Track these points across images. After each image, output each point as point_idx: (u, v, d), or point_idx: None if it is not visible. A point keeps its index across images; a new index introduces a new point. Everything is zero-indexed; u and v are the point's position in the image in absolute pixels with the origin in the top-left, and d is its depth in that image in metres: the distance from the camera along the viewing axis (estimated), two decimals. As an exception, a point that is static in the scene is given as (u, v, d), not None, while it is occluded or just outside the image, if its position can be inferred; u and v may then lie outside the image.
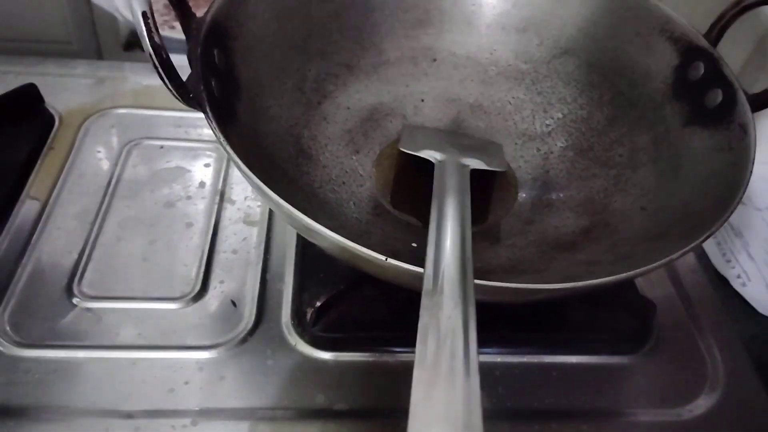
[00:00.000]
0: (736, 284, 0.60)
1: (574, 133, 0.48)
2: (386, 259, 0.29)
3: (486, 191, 0.46)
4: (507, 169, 0.44)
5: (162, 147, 0.49)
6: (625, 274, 0.31)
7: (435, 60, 0.51)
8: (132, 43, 0.62)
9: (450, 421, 0.22)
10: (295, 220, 0.30)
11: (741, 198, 0.34)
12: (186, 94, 0.34)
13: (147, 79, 0.56)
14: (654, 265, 0.31)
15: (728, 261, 0.60)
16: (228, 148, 0.32)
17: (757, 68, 0.64)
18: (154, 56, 0.32)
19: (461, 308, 0.27)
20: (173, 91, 0.33)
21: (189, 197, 0.46)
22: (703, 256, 0.54)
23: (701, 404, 0.37)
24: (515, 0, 0.51)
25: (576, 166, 0.47)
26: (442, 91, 0.51)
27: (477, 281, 0.29)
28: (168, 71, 0.33)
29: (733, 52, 0.65)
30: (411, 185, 0.45)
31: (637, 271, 0.31)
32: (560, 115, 0.49)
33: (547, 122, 0.49)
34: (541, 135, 0.49)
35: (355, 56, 0.49)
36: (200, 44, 0.36)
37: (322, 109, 0.47)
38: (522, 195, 0.46)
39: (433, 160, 0.41)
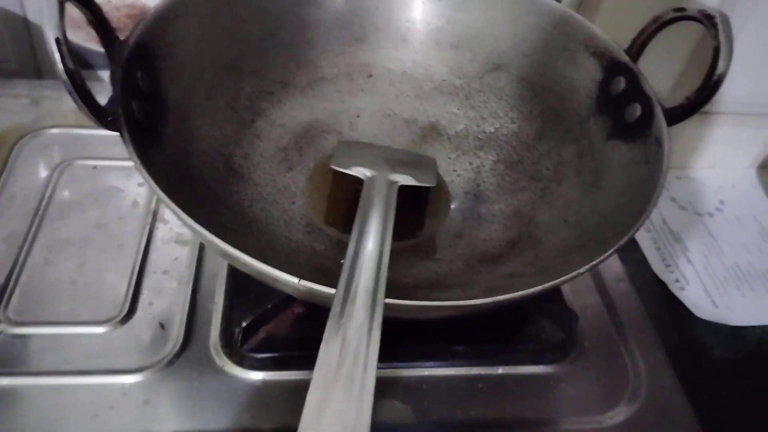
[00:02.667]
0: (674, 288, 0.62)
1: (505, 146, 0.49)
2: (299, 281, 0.29)
3: (420, 205, 0.46)
4: (436, 184, 0.45)
5: (95, 167, 0.49)
6: (535, 288, 0.31)
7: (371, 76, 0.52)
8: (71, 61, 0.62)
9: (340, 421, 0.23)
10: (209, 241, 0.30)
11: (650, 213, 0.35)
12: (104, 117, 0.34)
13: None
14: (563, 278, 0.32)
15: (668, 266, 0.62)
16: (143, 171, 0.32)
17: (691, 81, 0.66)
18: (68, 82, 0.32)
19: (367, 329, 0.27)
20: (90, 115, 0.33)
21: (121, 218, 0.46)
22: (640, 262, 0.56)
23: (622, 412, 0.38)
24: (449, 16, 0.52)
25: (506, 179, 0.48)
26: (378, 106, 0.52)
27: (387, 300, 0.29)
28: (84, 96, 0.33)
29: (669, 65, 0.67)
30: (345, 202, 0.45)
31: (548, 285, 0.31)
32: (492, 129, 0.50)
33: (480, 136, 0.50)
34: (473, 149, 0.50)
35: (290, 73, 0.50)
36: (122, 67, 0.36)
37: (256, 127, 0.47)
38: (453, 208, 0.47)
39: (362, 177, 0.42)
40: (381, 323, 0.28)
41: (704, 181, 0.73)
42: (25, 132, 0.51)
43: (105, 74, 0.60)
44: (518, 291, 0.31)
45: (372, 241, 0.34)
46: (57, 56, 0.31)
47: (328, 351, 0.27)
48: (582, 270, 0.32)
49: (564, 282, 0.32)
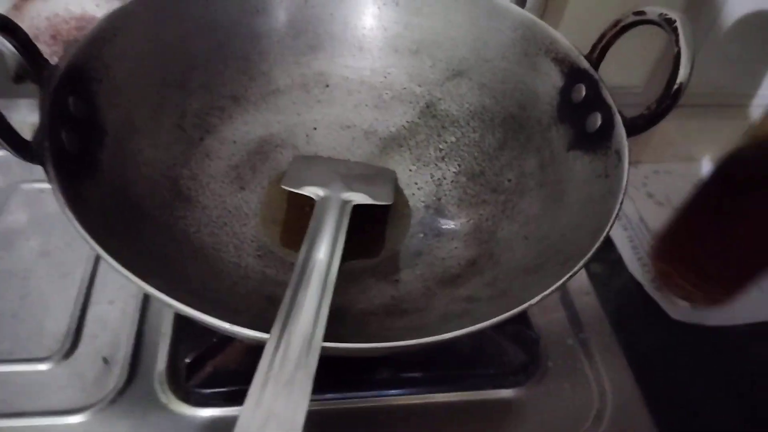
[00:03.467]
0: (649, 289, 0.61)
1: (467, 157, 0.48)
2: (230, 326, 0.28)
3: (379, 222, 0.45)
4: (393, 201, 0.43)
5: (42, 191, 0.47)
6: (489, 322, 0.30)
7: (327, 86, 0.50)
8: (21, 76, 0.59)
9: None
10: (134, 283, 0.29)
11: (608, 232, 0.34)
12: (28, 154, 0.32)
13: (32, 115, 0.53)
14: (518, 309, 0.30)
15: (644, 265, 0.61)
16: (67, 211, 0.30)
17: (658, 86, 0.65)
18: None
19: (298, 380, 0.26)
20: (10, 149, 0.32)
21: (67, 244, 0.44)
22: (615, 262, 0.54)
23: (586, 436, 0.37)
24: (407, 22, 0.50)
25: (467, 192, 0.46)
26: (336, 117, 0.50)
27: (326, 344, 0.28)
28: (5, 132, 0.31)
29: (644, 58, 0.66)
30: (302, 220, 0.43)
31: (501, 317, 0.30)
32: (454, 139, 0.49)
33: (441, 146, 0.49)
34: (435, 160, 0.48)
35: (241, 87, 0.48)
36: (50, 95, 0.35)
37: (205, 145, 0.45)
38: (414, 224, 0.45)
39: (315, 197, 0.40)
40: (314, 373, 0.26)
41: (682, 175, 0.71)
42: (-30, 154, 0.49)
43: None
44: (476, 322, 0.30)
45: (317, 270, 0.32)
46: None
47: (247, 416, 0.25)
48: (536, 299, 0.31)
49: (519, 313, 0.31)
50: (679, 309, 0.61)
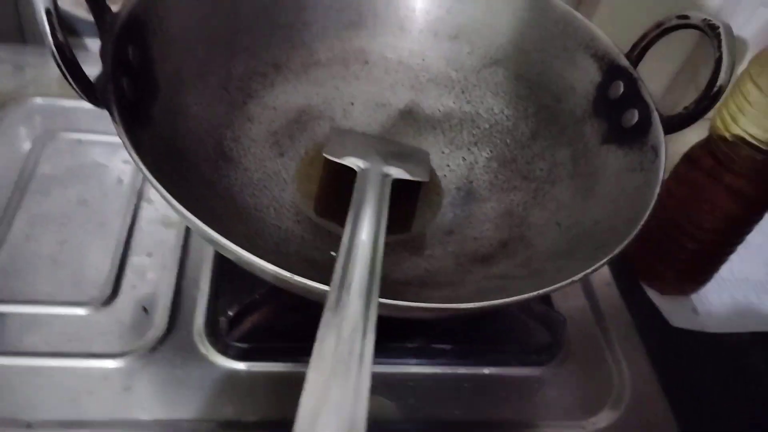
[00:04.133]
0: (652, 294, 0.63)
1: (499, 144, 0.49)
2: (292, 276, 0.29)
3: (411, 199, 0.46)
4: (429, 179, 0.44)
5: (80, 141, 0.48)
6: (529, 295, 0.31)
7: (367, 63, 0.51)
8: (55, 27, 0.59)
9: (337, 414, 0.23)
10: (198, 229, 0.30)
11: (646, 220, 0.35)
12: (93, 94, 0.33)
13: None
14: (557, 285, 0.32)
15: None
16: (133, 152, 0.31)
17: (683, 86, 0.67)
18: (57, 55, 0.31)
19: (362, 324, 0.27)
20: (79, 91, 0.32)
21: (104, 195, 0.45)
22: (622, 267, 0.56)
23: (604, 418, 0.39)
24: (449, 6, 0.51)
25: (498, 177, 0.47)
26: (373, 95, 0.51)
27: (380, 300, 0.29)
28: (73, 70, 0.32)
29: (662, 71, 0.67)
30: (336, 191, 0.44)
31: (541, 291, 0.31)
32: (487, 126, 0.50)
33: (474, 132, 0.50)
34: (467, 144, 0.49)
35: (283, 55, 0.49)
36: (113, 41, 0.35)
37: (247, 109, 0.46)
38: (445, 204, 0.46)
39: (356, 168, 0.41)
40: (376, 319, 0.27)
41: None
42: (7, 100, 0.49)
43: (92, 43, 0.58)
44: (512, 296, 0.31)
45: (366, 235, 0.33)
46: (47, 28, 0.30)
47: (323, 345, 0.26)
48: (576, 278, 0.32)
49: (558, 289, 0.32)
50: (683, 315, 0.63)
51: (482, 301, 0.30)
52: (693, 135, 0.59)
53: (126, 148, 0.31)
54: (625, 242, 0.34)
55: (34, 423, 0.33)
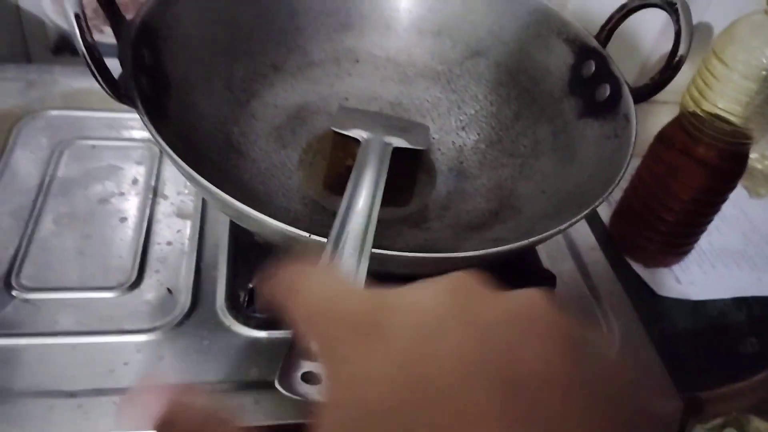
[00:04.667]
0: (638, 268, 0.67)
1: (485, 127, 0.53)
2: (309, 236, 0.32)
3: (411, 176, 0.49)
4: (428, 147, 0.47)
5: (94, 147, 0.51)
6: (522, 243, 0.35)
7: (357, 61, 0.55)
8: (61, 48, 0.63)
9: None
10: (227, 205, 0.33)
11: (622, 177, 0.39)
12: (118, 91, 0.36)
13: (77, 81, 0.57)
14: (545, 234, 0.35)
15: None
16: (160, 139, 0.34)
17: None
18: (87, 56, 0.34)
19: (354, 271, 0.30)
20: (106, 89, 0.36)
21: (122, 194, 0.48)
22: (606, 242, 0.59)
23: (597, 363, 0.42)
24: (430, 5, 0.55)
25: (487, 156, 0.51)
26: (364, 90, 0.55)
27: (376, 250, 0.32)
28: (101, 70, 0.35)
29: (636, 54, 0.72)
30: (343, 168, 0.48)
31: (531, 240, 0.35)
32: (473, 111, 0.54)
33: (461, 118, 0.54)
34: (456, 129, 0.53)
35: (281, 57, 0.52)
36: (131, 44, 0.39)
37: (251, 107, 0.50)
38: (439, 183, 0.50)
39: (360, 138, 0.44)
40: (366, 268, 0.30)
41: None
42: (22, 114, 0.53)
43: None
44: (506, 245, 0.34)
45: (364, 196, 0.36)
46: (77, 30, 0.34)
47: None
48: (562, 227, 0.36)
49: (546, 238, 0.36)
50: (666, 285, 0.67)
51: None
52: (665, 117, 0.63)
53: (152, 135, 0.35)
54: (605, 195, 0.38)
55: (77, 392, 0.36)
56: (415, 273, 0.40)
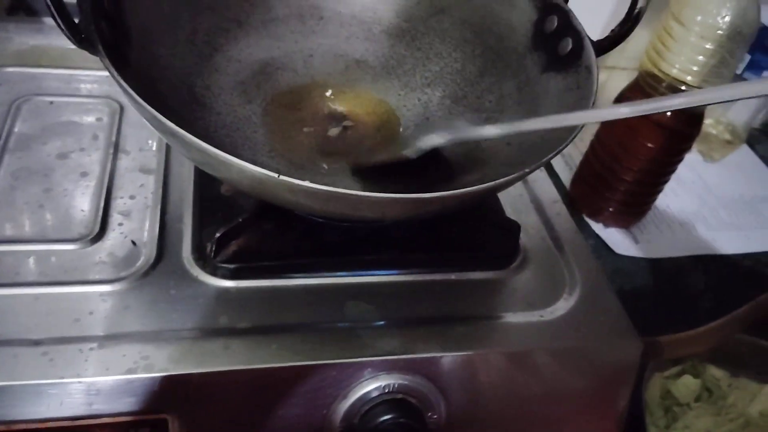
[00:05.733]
0: (597, 228, 0.68)
1: (450, 84, 0.53)
2: (278, 176, 0.32)
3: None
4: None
5: (52, 103, 0.50)
6: (483, 186, 0.36)
7: (322, 18, 0.55)
8: (15, 7, 0.61)
9: None
10: (194, 148, 0.33)
11: (581, 128, 0.40)
12: (78, 35, 0.35)
13: (33, 39, 0.55)
14: (509, 177, 0.36)
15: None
16: (122, 82, 0.34)
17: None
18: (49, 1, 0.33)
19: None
20: (66, 31, 0.35)
21: (82, 149, 0.47)
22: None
23: (560, 307, 0.43)
24: (394, -39, 0.55)
25: (452, 112, 0.52)
26: (330, 47, 0.54)
27: (353, 192, 0.32)
28: (60, 11, 0.34)
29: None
30: (300, 133, 0.48)
31: (495, 182, 0.36)
32: (437, 68, 0.54)
33: (426, 75, 0.54)
34: (421, 86, 0.54)
35: (244, 12, 0.52)
36: (90, -12, 0.38)
37: (215, 61, 0.49)
38: (405, 137, 0.50)
39: None
40: None
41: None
42: (-24, 70, 0.51)
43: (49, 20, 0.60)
44: (468, 188, 0.35)
45: None
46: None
47: None
48: (527, 170, 0.36)
49: (510, 182, 0.36)
50: (623, 244, 0.69)
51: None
52: (623, 82, 0.65)
53: (114, 78, 0.34)
54: (569, 140, 0.38)
55: (41, 340, 0.35)
56: (387, 218, 0.41)
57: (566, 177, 0.73)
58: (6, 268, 0.38)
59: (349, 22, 0.55)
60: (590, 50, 0.45)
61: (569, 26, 0.47)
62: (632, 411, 0.46)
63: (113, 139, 0.48)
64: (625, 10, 0.45)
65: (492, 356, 0.40)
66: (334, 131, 0.50)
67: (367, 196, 0.33)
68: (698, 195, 0.79)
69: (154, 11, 0.44)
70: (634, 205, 0.69)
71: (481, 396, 0.41)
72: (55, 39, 0.55)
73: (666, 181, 0.68)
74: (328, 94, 0.52)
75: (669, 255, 0.69)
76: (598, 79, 0.43)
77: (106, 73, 0.49)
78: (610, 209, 0.68)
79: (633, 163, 0.64)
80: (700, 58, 0.58)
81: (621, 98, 0.64)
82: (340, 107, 0.52)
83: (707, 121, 0.84)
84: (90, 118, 0.49)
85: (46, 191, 0.43)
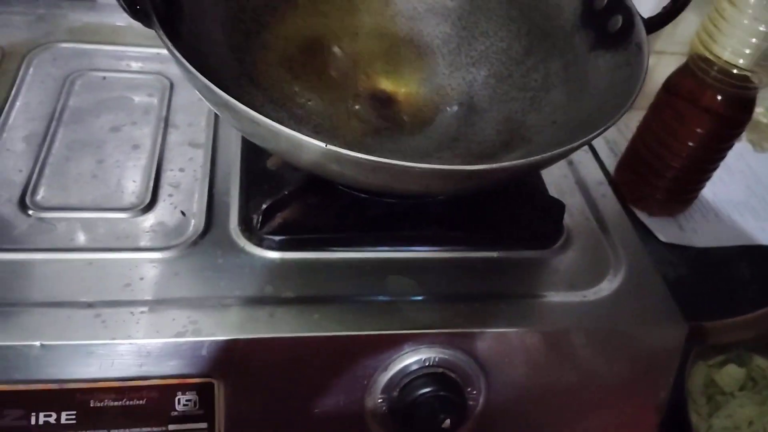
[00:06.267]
0: (642, 216, 0.67)
1: (496, 63, 0.53)
2: (326, 146, 0.32)
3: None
4: None
5: (105, 78, 0.51)
6: (530, 159, 0.35)
7: (368, -4, 0.55)
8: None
9: None
10: (244, 116, 0.33)
11: (633, 102, 0.39)
12: (134, 5, 0.36)
13: (86, 16, 0.57)
14: (553, 153, 0.36)
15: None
16: (176, 52, 0.34)
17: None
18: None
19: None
20: (122, 3, 0.36)
21: (134, 123, 0.48)
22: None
23: (604, 288, 0.43)
24: (442, -58, 0.54)
25: (497, 91, 0.51)
26: (375, 25, 0.55)
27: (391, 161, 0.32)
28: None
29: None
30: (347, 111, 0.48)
31: (538, 158, 0.35)
32: (483, 47, 0.54)
33: (471, 54, 0.54)
34: (466, 65, 0.53)
35: (292, -10, 0.52)
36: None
37: (262, 38, 0.50)
38: (449, 118, 0.50)
39: None
40: None
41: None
42: (33, 45, 0.53)
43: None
44: (511, 162, 0.35)
45: None
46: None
47: None
48: (575, 144, 0.36)
49: (554, 158, 0.36)
50: (670, 231, 0.67)
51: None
52: (671, 68, 0.63)
53: (167, 48, 0.35)
54: (616, 118, 0.38)
55: (94, 303, 0.36)
56: (430, 191, 0.41)
57: (611, 163, 0.72)
58: (61, 235, 0.40)
59: (394, 0, 0.55)
60: (641, 27, 0.44)
61: (620, 3, 0.46)
62: (674, 397, 0.46)
63: (163, 113, 0.49)
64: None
65: (533, 335, 0.40)
66: (377, 109, 0.50)
67: (413, 167, 0.33)
68: (747, 185, 0.77)
69: (205, -13, 0.45)
70: (681, 192, 0.68)
71: (521, 375, 0.41)
72: (106, 16, 0.57)
73: (714, 169, 0.66)
74: (373, 72, 0.52)
75: (715, 244, 0.67)
76: (648, 57, 0.43)
77: (156, 50, 0.51)
78: (657, 196, 0.67)
79: (681, 149, 0.62)
80: (753, 40, 0.56)
81: (669, 83, 0.63)
82: (384, 85, 0.52)
83: (758, 110, 0.81)
84: (141, 94, 0.51)
85: (99, 162, 0.45)
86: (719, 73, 0.57)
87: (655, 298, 0.43)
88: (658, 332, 0.42)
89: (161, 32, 0.35)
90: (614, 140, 0.75)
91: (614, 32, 0.46)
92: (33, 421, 0.35)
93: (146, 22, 0.37)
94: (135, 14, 0.36)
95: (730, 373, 0.53)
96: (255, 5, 0.50)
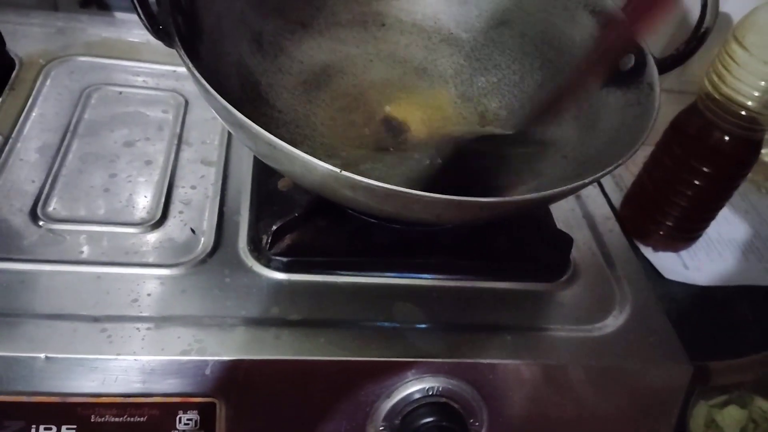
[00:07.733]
0: (646, 252, 0.67)
1: (507, 95, 0.53)
2: (340, 171, 0.33)
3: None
4: None
5: (121, 93, 0.52)
6: (542, 194, 0.36)
7: (383, 25, 0.56)
8: (88, 1, 0.63)
9: None
10: (258, 138, 0.34)
11: (643, 141, 0.40)
12: (156, 25, 0.37)
13: (105, 31, 0.57)
14: (562, 189, 0.36)
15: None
16: (195, 71, 0.35)
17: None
18: (131, -11, 0.35)
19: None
20: (145, 22, 0.36)
21: (147, 138, 0.48)
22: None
23: (609, 324, 0.43)
24: (458, -27, 0.55)
25: (508, 123, 0.52)
26: (390, 53, 0.55)
27: (400, 189, 0.32)
28: (143, 3, 0.36)
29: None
30: (360, 137, 0.49)
31: (554, 191, 0.36)
32: (495, 80, 0.54)
33: (483, 85, 0.54)
34: (478, 96, 0.54)
35: (309, 16, 0.53)
36: (169, -15, 0.39)
37: (279, 62, 0.50)
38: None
39: None
40: None
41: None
42: (51, 58, 0.53)
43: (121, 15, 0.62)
44: (520, 196, 0.35)
45: None
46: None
47: None
48: (586, 181, 0.36)
49: (563, 194, 0.36)
50: (673, 269, 0.67)
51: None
52: (679, 107, 0.64)
53: (186, 66, 0.35)
54: (627, 157, 0.38)
55: (100, 317, 0.36)
56: (440, 221, 0.41)
57: (616, 197, 0.72)
58: (70, 247, 0.40)
59: (409, 30, 0.56)
60: (653, 67, 0.45)
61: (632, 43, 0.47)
62: (675, 436, 0.45)
63: (177, 131, 0.50)
64: (686, 31, 0.45)
65: (537, 368, 0.40)
66: (389, 135, 0.50)
67: (424, 196, 0.33)
68: (752, 225, 0.77)
69: (225, 11, 0.46)
70: (686, 230, 0.68)
71: (523, 407, 0.41)
72: (124, 32, 0.58)
73: (720, 208, 0.66)
74: (385, 99, 0.53)
75: (718, 283, 0.67)
76: (660, 97, 0.43)
77: (172, 68, 0.52)
78: (661, 233, 0.67)
79: (687, 188, 0.63)
80: (762, 83, 0.56)
81: (677, 122, 0.64)
82: (396, 113, 0.52)
83: (764, 151, 0.82)
84: (156, 110, 0.51)
85: (111, 176, 0.45)
86: (727, 114, 0.58)
87: (661, 336, 0.43)
88: (663, 371, 0.42)
89: (182, 52, 0.36)
90: (620, 175, 0.76)
91: (626, 70, 0.47)
92: (33, 434, 0.34)
93: (167, 41, 0.37)
94: (157, 34, 0.37)
95: (732, 414, 0.53)
96: (274, 28, 0.51)
